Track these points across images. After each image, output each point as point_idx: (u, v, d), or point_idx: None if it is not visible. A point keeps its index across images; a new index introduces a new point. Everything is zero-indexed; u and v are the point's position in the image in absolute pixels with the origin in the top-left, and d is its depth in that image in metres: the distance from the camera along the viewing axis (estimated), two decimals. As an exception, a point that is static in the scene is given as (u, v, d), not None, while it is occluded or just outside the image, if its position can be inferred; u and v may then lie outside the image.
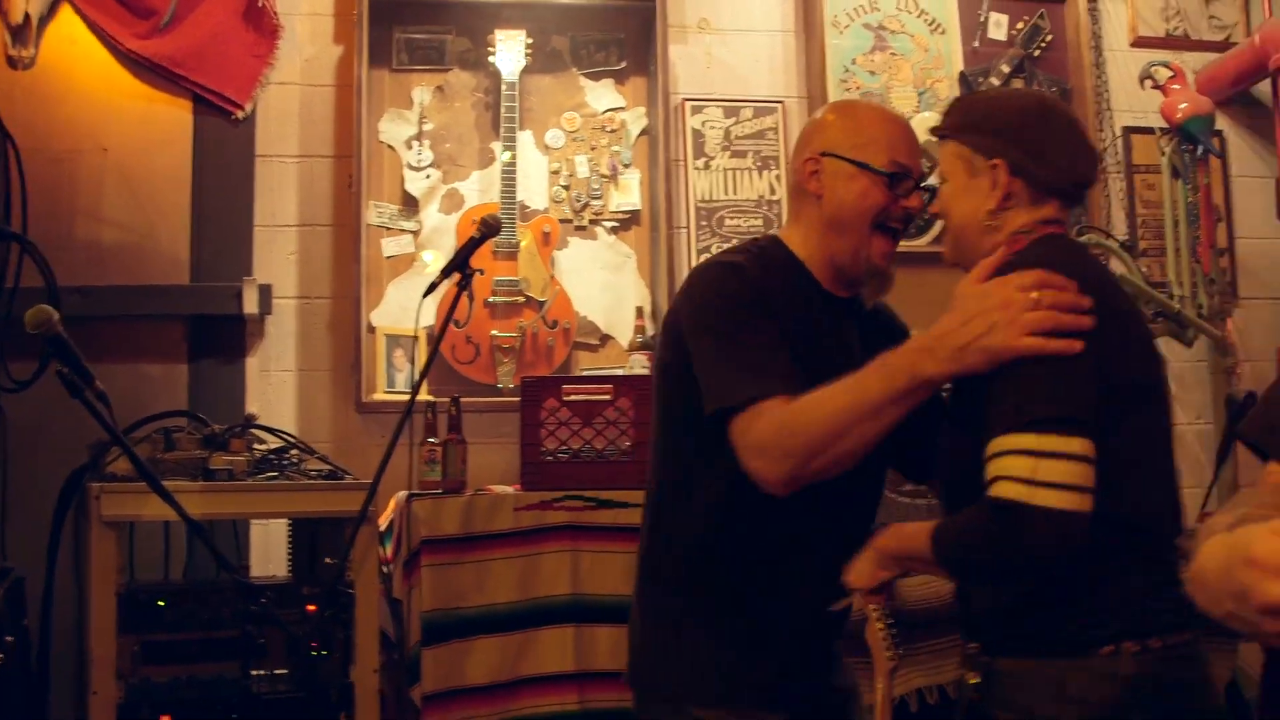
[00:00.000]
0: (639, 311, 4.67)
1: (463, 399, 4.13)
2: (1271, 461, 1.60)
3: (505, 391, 4.51)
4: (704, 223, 4.78)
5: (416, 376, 3.60)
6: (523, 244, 4.62)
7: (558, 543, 3.80)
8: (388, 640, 3.75)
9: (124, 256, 4.34)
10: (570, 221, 4.77)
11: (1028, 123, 2.10)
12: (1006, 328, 1.87)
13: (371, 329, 4.54)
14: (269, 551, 4.26)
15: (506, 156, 4.59)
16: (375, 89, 4.67)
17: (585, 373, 4.60)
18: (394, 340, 4.55)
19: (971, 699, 2.03)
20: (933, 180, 2.31)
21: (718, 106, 4.88)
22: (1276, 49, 4.78)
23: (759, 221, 4.80)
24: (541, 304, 4.63)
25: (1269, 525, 1.21)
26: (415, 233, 4.66)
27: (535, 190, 4.75)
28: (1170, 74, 4.85)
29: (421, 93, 4.72)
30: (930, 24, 5.00)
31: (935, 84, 4.93)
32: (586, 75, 4.86)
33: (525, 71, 4.68)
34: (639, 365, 4.47)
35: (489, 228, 3.41)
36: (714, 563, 2.25)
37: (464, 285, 3.38)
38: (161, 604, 3.32)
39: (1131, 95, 5.12)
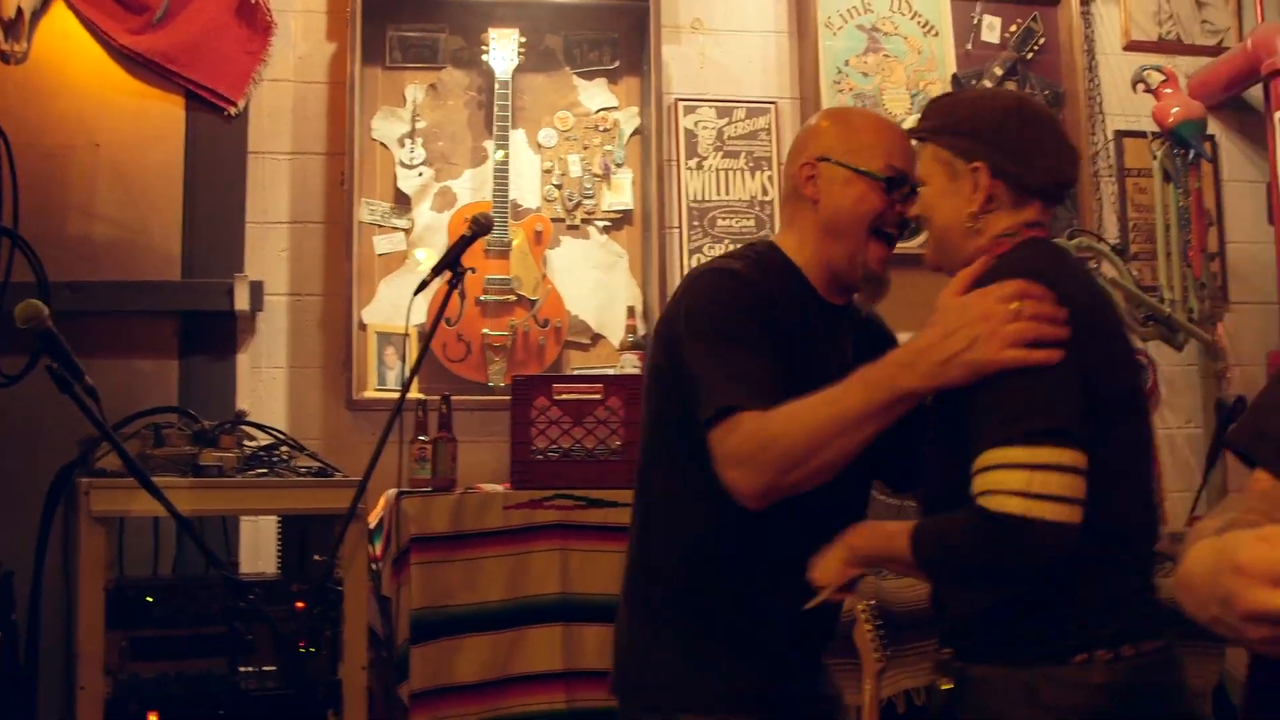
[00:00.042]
0: (630, 311, 4.67)
1: (453, 397, 4.13)
2: (1258, 469, 1.60)
3: (496, 390, 4.51)
4: (696, 223, 4.78)
5: (407, 374, 3.60)
6: (515, 243, 4.62)
7: (547, 541, 3.80)
8: (376, 638, 3.75)
9: (115, 252, 4.34)
10: (562, 220, 4.77)
11: (1008, 124, 2.09)
12: (988, 341, 1.86)
13: (363, 326, 4.54)
14: (258, 548, 4.26)
15: (499, 155, 4.59)
16: (368, 86, 4.67)
17: (576, 372, 4.60)
18: (385, 338, 4.55)
19: (943, 705, 2.02)
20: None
21: (710, 107, 4.88)
22: (1269, 54, 4.79)
23: (751, 222, 4.80)
24: (533, 303, 4.63)
25: (1255, 532, 1.21)
26: (407, 230, 4.66)
27: (528, 189, 4.75)
28: (1162, 78, 4.85)
29: (414, 90, 4.72)
30: (923, 26, 5.01)
31: (928, 86, 4.93)
32: (579, 74, 4.86)
33: (518, 70, 4.68)
34: (630, 365, 4.48)
35: (480, 226, 3.42)
36: (704, 568, 2.24)
37: (455, 283, 3.38)
38: (150, 600, 3.31)
39: (1124, 99, 5.14)
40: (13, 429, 3.94)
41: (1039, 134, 2.10)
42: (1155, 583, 2.03)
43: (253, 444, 3.56)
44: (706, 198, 4.81)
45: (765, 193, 4.83)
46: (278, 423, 4.08)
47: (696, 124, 4.85)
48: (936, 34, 5.02)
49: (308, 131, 4.61)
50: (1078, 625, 1.89)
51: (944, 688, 2.01)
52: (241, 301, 4.31)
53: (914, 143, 2.25)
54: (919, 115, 2.26)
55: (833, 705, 2.44)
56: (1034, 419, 1.83)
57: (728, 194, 4.82)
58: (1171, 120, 4.79)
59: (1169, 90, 4.84)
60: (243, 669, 3.34)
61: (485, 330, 4.57)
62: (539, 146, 4.79)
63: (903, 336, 2.30)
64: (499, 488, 3.98)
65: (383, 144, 4.69)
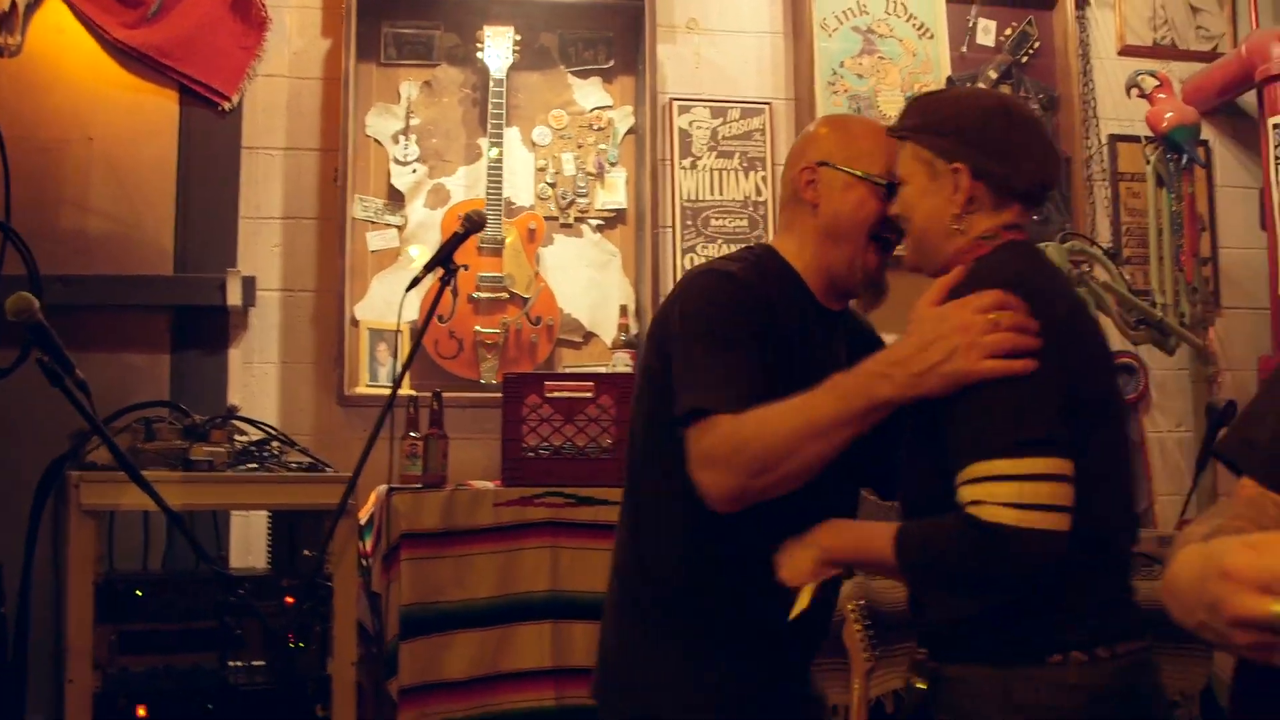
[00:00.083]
0: (623, 310, 4.68)
1: (445, 394, 4.12)
2: (1245, 476, 1.61)
3: (487, 387, 4.51)
4: (689, 222, 4.78)
5: (399, 370, 3.60)
6: (508, 240, 4.62)
7: (537, 539, 3.81)
8: (366, 633, 3.75)
9: (108, 246, 4.33)
10: (556, 219, 4.78)
11: (990, 125, 2.08)
12: (966, 352, 1.86)
13: (355, 322, 4.54)
14: (249, 543, 4.26)
15: (493, 153, 4.59)
16: (363, 83, 4.67)
17: (568, 370, 4.60)
18: (377, 334, 4.55)
19: (918, 705, 2.02)
20: None
21: (705, 107, 4.88)
22: (1263, 60, 4.80)
23: (744, 222, 4.81)
24: (525, 300, 4.63)
25: (1242, 539, 1.22)
26: (400, 227, 4.66)
27: (521, 187, 4.75)
28: (1157, 83, 4.86)
29: (409, 87, 4.72)
30: (919, 28, 5.01)
31: (923, 88, 4.92)
32: (574, 73, 4.86)
33: (513, 68, 4.68)
34: (622, 363, 4.48)
35: (473, 223, 3.41)
36: (699, 568, 2.23)
37: (447, 280, 3.38)
38: (140, 594, 3.32)
39: (1118, 103, 5.14)
40: (3, 422, 3.94)
41: (1021, 135, 2.09)
42: (1133, 585, 2.03)
43: (244, 439, 3.56)
44: (700, 197, 4.81)
45: (759, 193, 4.84)
46: (269, 418, 4.09)
47: (691, 124, 4.85)
48: (932, 36, 5.02)
49: (302, 127, 4.61)
50: (1054, 627, 1.89)
51: (919, 687, 2.01)
52: (234, 296, 4.32)
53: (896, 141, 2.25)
54: (900, 113, 2.25)
55: (820, 707, 2.44)
56: (1019, 430, 1.82)
57: (721, 194, 4.82)
58: (1165, 125, 4.80)
59: (1163, 95, 4.86)
60: (232, 664, 3.35)
61: (477, 327, 4.57)
62: (533, 144, 4.79)
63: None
64: (490, 485, 3.99)
65: (377, 140, 4.69)
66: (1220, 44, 5.31)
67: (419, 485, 3.87)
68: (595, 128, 4.84)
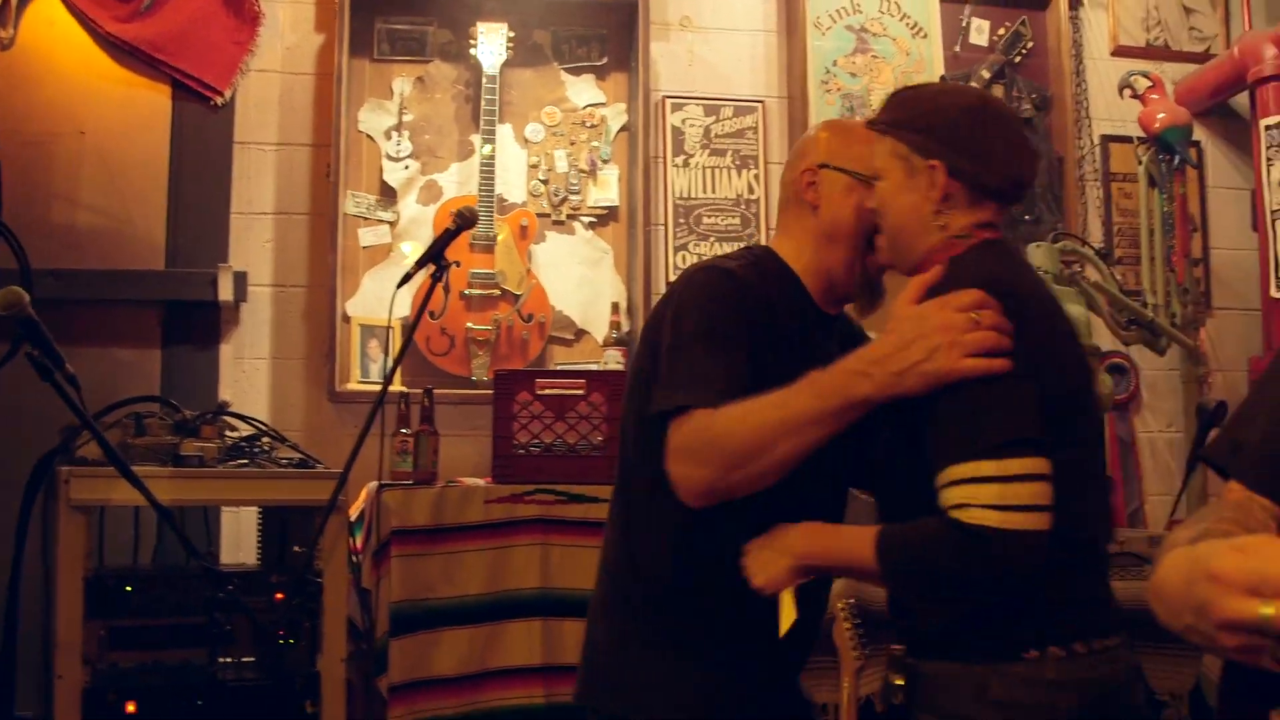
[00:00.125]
0: (615, 307, 4.68)
1: (436, 390, 4.12)
2: (1233, 480, 1.61)
3: (479, 384, 4.51)
4: (681, 220, 4.78)
5: (390, 367, 3.60)
6: (500, 237, 4.62)
7: (528, 536, 3.80)
8: (356, 630, 3.74)
9: (99, 241, 4.33)
10: (548, 216, 4.78)
11: (967, 123, 2.07)
12: (948, 351, 1.85)
13: (346, 319, 4.54)
14: (239, 539, 4.25)
15: (486, 149, 4.59)
16: (355, 78, 4.66)
17: (560, 367, 4.61)
18: (369, 330, 4.54)
19: (895, 702, 2.02)
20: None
21: (698, 104, 4.88)
22: (1255, 62, 4.81)
23: (736, 220, 4.81)
24: (517, 297, 4.62)
25: (1229, 542, 1.22)
26: (393, 223, 4.65)
27: (514, 184, 4.75)
28: (1149, 84, 4.87)
29: (402, 83, 4.72)
30: (912, 28, 5.01)
31: (915, 87, 4.93)
32: (567, 70, 4.86)
33: (506, 65, 4.68)
34: (613, 361, 4.48)
35: (464, 219, 3.42)
36: (693, 567, 2.21)
37: (438, 277, 3.38)
38: (129, 589, 3.31)
39: (1110, 104, 5.15)
40: (-7, 416, 3.93)
41: (999, 134, 2.08)
42: (1110, 581, 2.04)
43: (234, 435, 3.56)
44: (692, 195, 4.81)
45: (751, 191, 4.84)
46: (260, 414, 4.08)
47: (684, 121, 4.85)
48: (925, 36, 5.03)
49: (294, 122, 4.60)
50: (1031, 623, 1.89)
51: (896, 684, 2.01)
52: (225, 292, 4.31)
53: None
54: (881, 105, 2.23)
55: (808, 708, 2.44)
56: (1000, 431, 1.82)
57: (714, 192, 4.82)
58: (1158, 126, 4.81)
59: (1155, 96, 4.86)
60: (221, 659, 3.34)
61: (469, 324, 4.57)
62: (526, 141, 4.78)
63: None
64: (480, 482, 3.98)
65: (369, 136, 4.68)
66: (1213, 45, 5.32)
67: (410, 482, 3.86)
68: (588, 125, 4.84)
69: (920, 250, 2.09)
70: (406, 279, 3.45)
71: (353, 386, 4.48)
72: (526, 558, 3.79)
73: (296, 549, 3.62)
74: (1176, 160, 4.85)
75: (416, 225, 4.65)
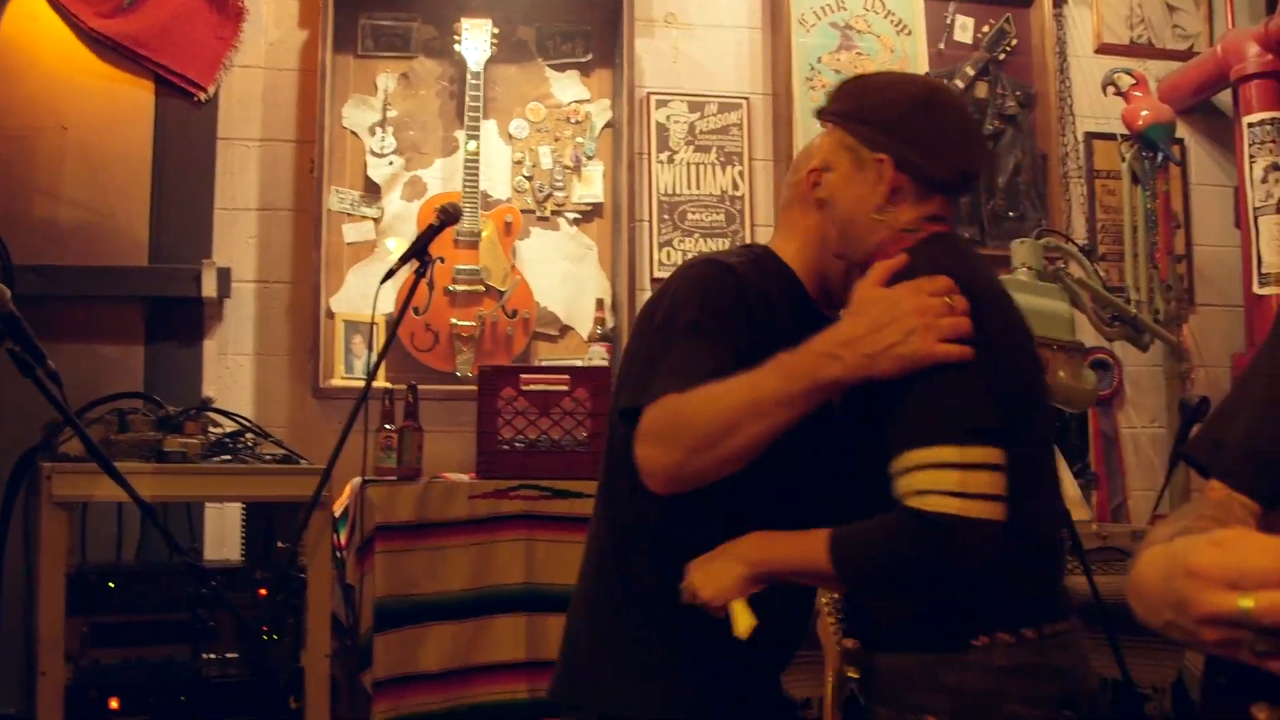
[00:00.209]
0: (599, 303, 4.68)
1: (420, 386, 4.11)
2: (1213, 478, 1.62)
3: (463, 380, 4.51)
4: (666, 216, 4.78)
5: (373, 363, 3.59)
6: (484, 233, 4.62)
7: (512, 531, 3.80)
8: (340, 626, 3.74)
9: (82, 236, 4.31)
10: (532, 212, 4.77)
11: (915, 115, 2.06)
12: (923, 334, 1.84)
13: (331, 315, 4.53)
14: (223, 535, 4.25)
15: (470, 145, 4.59)
16: (339, 74, 4.65)
17: (544, 363, 4.60)
18: (353, 326, 4.53)
19: (851, 695, 2.02)
20: None
21: (683, 101, 4.88)
22: (1238, 59, 4.83)
23: (721, 217, 4.81)
24: (502, 293, 4.62)
25: (1208, 537, 1.22)
26: (377, 219, 4.65)
27: (498, 180, 4.74)
28: (1133, 81, 4.89)
29: (386, 79, 4.71)
30: (896, 25, 5.02)
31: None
32: (552, 66, 4.86)
33: (491, 61, 4.68)
34: (598, 357, 4.49)
35: (448, 215, 3.42)
36: (675, 566, 2.13)
37: (422, 272, 3.38)
38: (112, 586, 3.30)
39: (1094, 101, 5.17)
40: (-24, 412, 3.91)
41: (946, 127, 2.07)
42: (1061, 569, 2.06)
43: (218, 431, 3.55)
44: (677, 191, 4.81)
45: (735, 187, 4.84)
46: (244, 410, 4.07)
47: (668, 118, 4.85)
48: (909, 33, 5.03)
49: (278, 118, 4.59)
50: (980, 611, 1.89)
51: (850, 677, 2.01)
52: (209, 288, 4.30)
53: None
54: (829, 93, 2.21)
55: (792, 707, 2.44)
56: (962, 419, 1.82)
57: (698, 188, 4.83)
58: (1141, 123, 4.82)
59: (1139, 93, 4.88)
60: (205, 656, 3.33)
61: (453, 320, 4.57)
62: (510, 137, 4.78)
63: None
64: (464, 477, 3.98)
65: (353, 132, 4.67)
66: (1196, 43, 5.34)
67: (394, 478, 3.86)
68: (572, 121, 4.84)
69: (871, 242, 2.08)
70: (390, 275, 3.45)
71: (337, 382, 4.47)
72: (511, 553, 3.79)
73: (280, 545, 3.61)
74: (1160, 157, 4.87)
75: (401, 221, 4.64)
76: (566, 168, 4.80)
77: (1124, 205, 4.93)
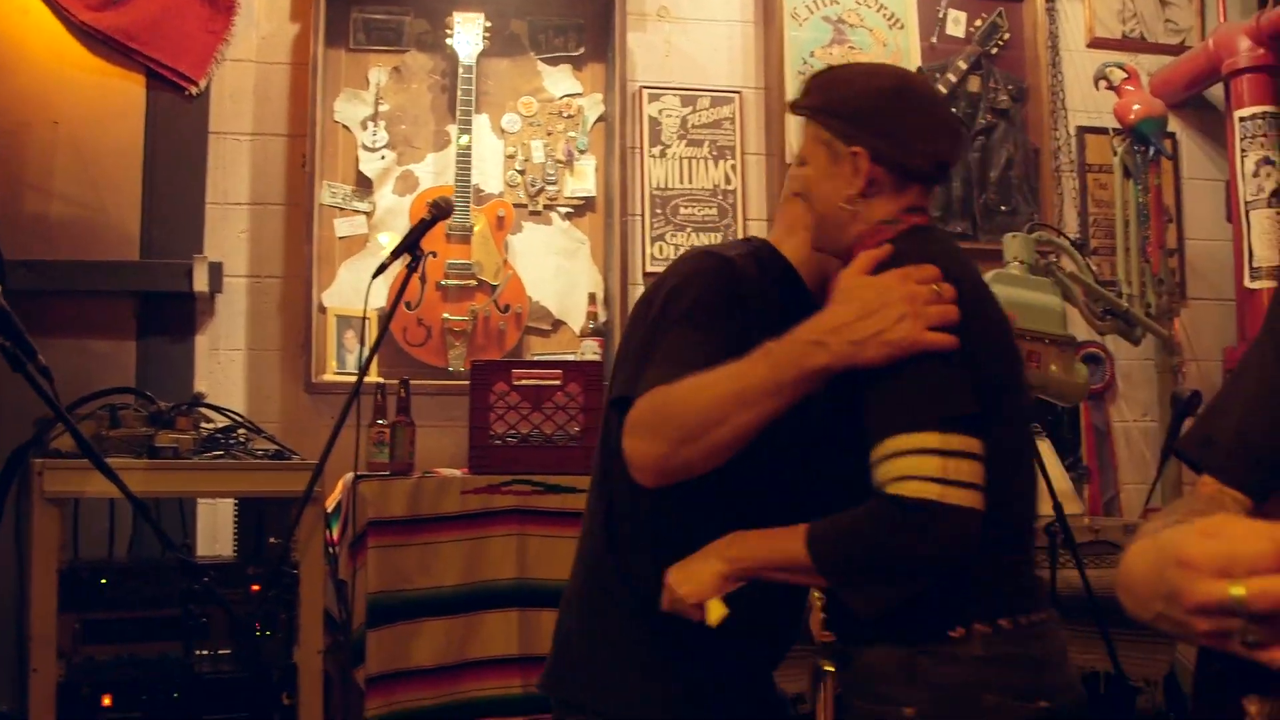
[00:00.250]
0: (591, 298, 4.68)
1: (412, 381, 4.12)
2: (1205, 474, 1.62)
3: (455, 374, 4.51)
4: (658, 210, 4.78)
5: (365, 357, 3.59)
6: (476, 228, 4.61)
7: (504, 526, 3.80)
8: (332, 621, 3.73)
9: (73, 231, 4.30)
10: (525, 206, 4.77)
11: (887, 107, 2.05)
12: (913, 321, 1.83)
13: (323, 309, 4.52)
14: (215, 531, 4.25)
15: (462, 140, 4.58)
16: (331, 68, 4.64)
17: (536, 358, 4.60)
18: (345, 321, 4.53)
19: (828, 689, 2.01)
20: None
21: (675, 95, 4.88)
22: (1229, 54, 4.83)
23: (713, 211, 4.81)
24: (494, 288, 4.62)
25: (1196, 526, 1.22)
26: (369, 214, 4.64)
27: (490, 174, 4.74)
28: (1125, 75, 4.89)
29: (378, 73, 4.70)
30: (889, 19, 5.02)
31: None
32: (544, 60, 4.85)
33: (483, 55, 4.67)
34: (590, 351, 4.48)
35: (440, 210, 3.41)
36: (671, 561, 2.10)
37: (414, 267, 3.38)
38: (104, 582, 3.30)
39: (1086, 95, 5.17)
40: (-34, 408, 3.91)
41: (919, 116, 2.07)
42: (1034, 560, 2.05)
43: (210, 426, 3.55)
44: (669, 186, 4.81)
45: (728, 181, 4.84)
46: (236, 405, 4.07)
47: (660, 112, 4.85)
48: (902, 27, 5.04)
49: (269, 112, 4.58)
50: (956, 603, 1.89)
51: (826, 670, 2.01)
52: (200, 283, 4.29)
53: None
54: (801, 87, 2.20)
55: (784, 704, 2.43)
56: (945, 406, 1.82)
57: (690, 182, 4.82)
58: (1133, 117, 4.83)
59: (1131, 87, 4.89)
60: (198, 652, 3.34)
61: (445, 315, 4.57)
62: (502, 131, 4.78)
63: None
64: (457, 472, 3.98)
65: (345, 126, 4.67)
66: (1188, 37, 5.34)
67: (386, 473, 3.86)
68: (565, 115, 4.83)
69: (849, 235, 2.08)
70: (382, 269, 3.45)
71: (329, 377, 4.46)
72: (503, 548, 3.79)
73: (273, 540, 3.60)
74: (1151, 151, 4.88)
75: (393, 216, 4.63)
76: (559, 162, 4.80)
77: (1116, 199, 4.94)
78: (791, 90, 4.82)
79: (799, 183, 2.17)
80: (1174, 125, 5.20)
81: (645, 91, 4.84)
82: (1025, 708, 1.88)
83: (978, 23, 5.11)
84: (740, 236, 4.56)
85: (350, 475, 3.82)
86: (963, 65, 5.03)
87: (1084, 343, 4.83)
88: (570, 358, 4.47)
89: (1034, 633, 1.93)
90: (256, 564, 3.47)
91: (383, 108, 4.68)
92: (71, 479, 3.15)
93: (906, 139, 2.04)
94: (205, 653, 3.35)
